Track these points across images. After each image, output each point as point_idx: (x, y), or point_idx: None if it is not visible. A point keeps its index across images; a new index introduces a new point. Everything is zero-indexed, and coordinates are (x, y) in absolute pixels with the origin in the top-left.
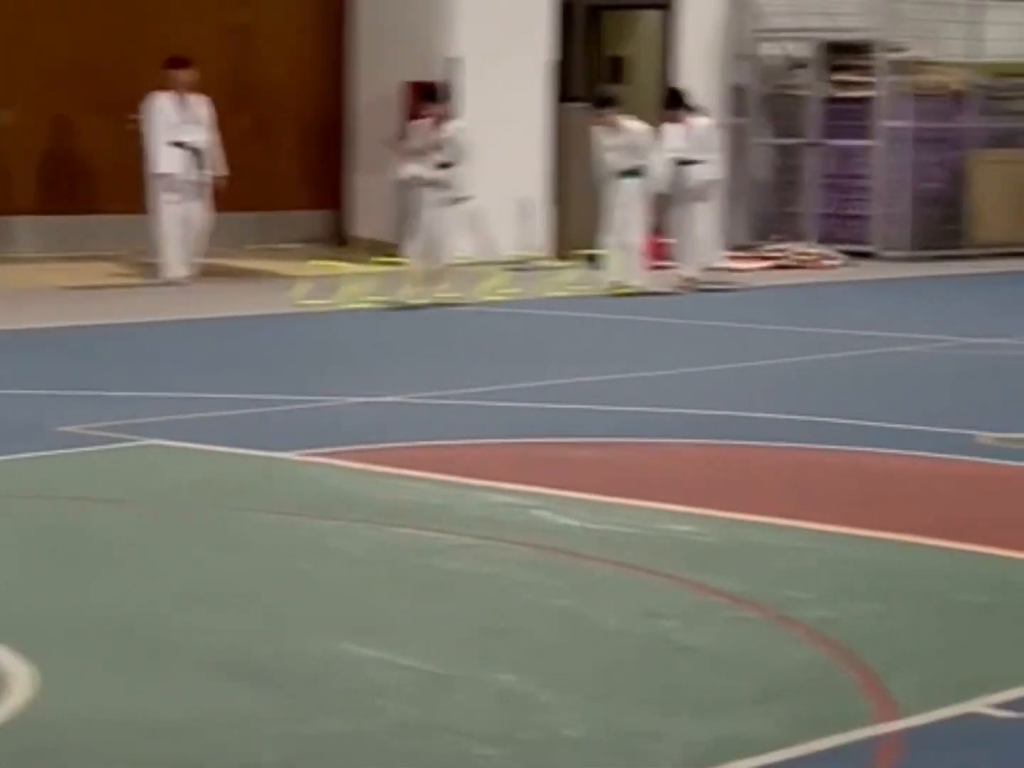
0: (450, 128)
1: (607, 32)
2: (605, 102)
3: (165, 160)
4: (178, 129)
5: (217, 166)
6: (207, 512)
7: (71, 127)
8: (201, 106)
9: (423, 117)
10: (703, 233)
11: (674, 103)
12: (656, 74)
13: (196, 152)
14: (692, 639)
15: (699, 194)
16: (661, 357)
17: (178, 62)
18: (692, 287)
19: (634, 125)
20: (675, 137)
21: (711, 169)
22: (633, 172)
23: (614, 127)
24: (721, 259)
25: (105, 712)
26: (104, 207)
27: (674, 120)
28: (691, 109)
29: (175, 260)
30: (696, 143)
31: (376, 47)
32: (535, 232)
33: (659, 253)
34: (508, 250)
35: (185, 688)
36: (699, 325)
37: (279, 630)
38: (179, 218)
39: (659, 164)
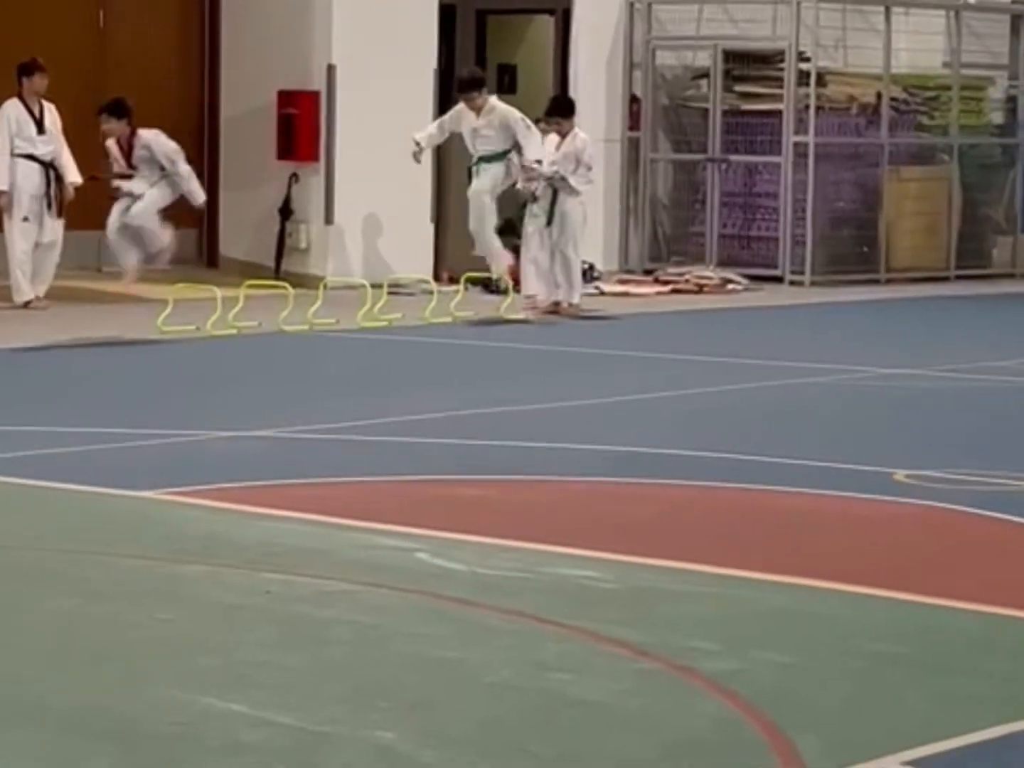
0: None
1: (495, 39)
2: (472, 84)
3: (12, 174)
4: (29, 141)
5: (69, 176)
6: (59, 556)
7: None
8: (52, 114)
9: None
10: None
11: (553, 111)
12: (547, 83)
13: (48, 165)
14: (587, 693)
15: (577, 216)
16: (552, 388)
17: (30, 67)
18: (576, 314)
19: (508, 108)
20: (549, 148)
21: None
22: (495, 157)
23: (482, 109)
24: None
25: None
26: None
27: (549, 130)
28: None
29: (26, 282)
30: (569, 158)
31: (245, 54)
32: (419, 253)
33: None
34: (388, 271)
35: (39, 750)
36: (591, 354)
37: (140, 684)
38: (31, 236)
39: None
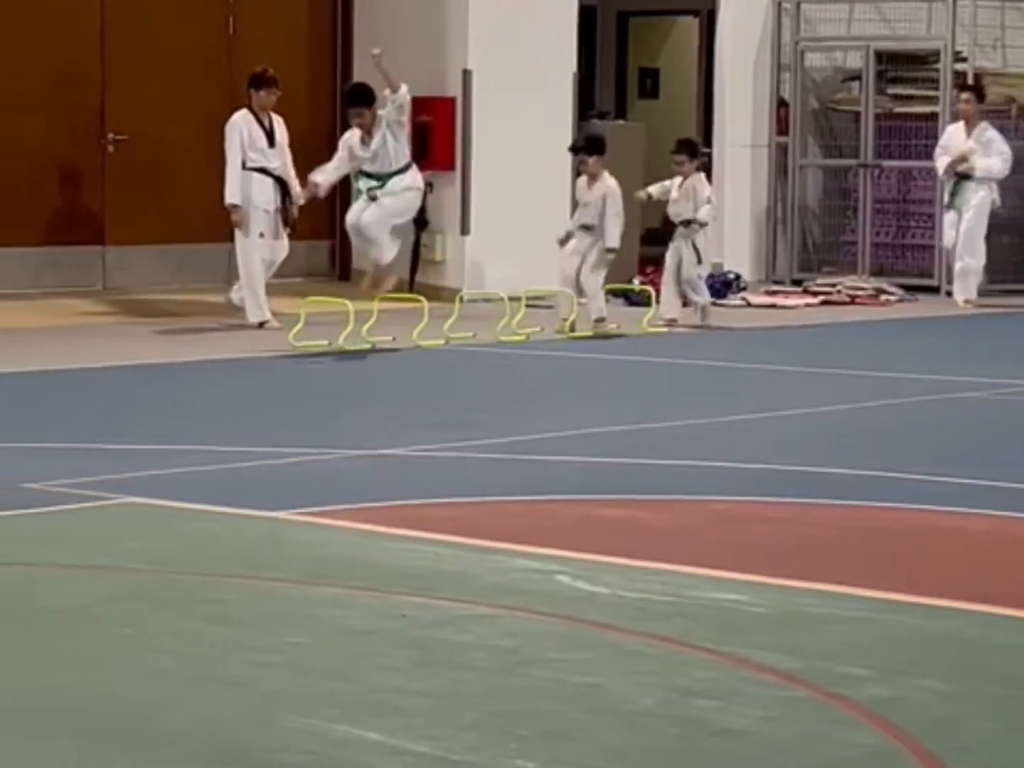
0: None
1: (637, 42)
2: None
3: (247, 188)
4: (262, 154)
5: (295, 191)
6: (190, 578)
7: None
8: (281, 127)
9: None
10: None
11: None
12: (692, 88)
13: (280, 180)
14: (733, 721)
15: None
16: (695, 403)
17: (260, 80)
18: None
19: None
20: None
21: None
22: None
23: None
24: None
25: None
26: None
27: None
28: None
29: (263, 301)
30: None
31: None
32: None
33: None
34: (526, 283)
35: None
36: (734, 368)
37: (269, 711)
38: (266, 253)
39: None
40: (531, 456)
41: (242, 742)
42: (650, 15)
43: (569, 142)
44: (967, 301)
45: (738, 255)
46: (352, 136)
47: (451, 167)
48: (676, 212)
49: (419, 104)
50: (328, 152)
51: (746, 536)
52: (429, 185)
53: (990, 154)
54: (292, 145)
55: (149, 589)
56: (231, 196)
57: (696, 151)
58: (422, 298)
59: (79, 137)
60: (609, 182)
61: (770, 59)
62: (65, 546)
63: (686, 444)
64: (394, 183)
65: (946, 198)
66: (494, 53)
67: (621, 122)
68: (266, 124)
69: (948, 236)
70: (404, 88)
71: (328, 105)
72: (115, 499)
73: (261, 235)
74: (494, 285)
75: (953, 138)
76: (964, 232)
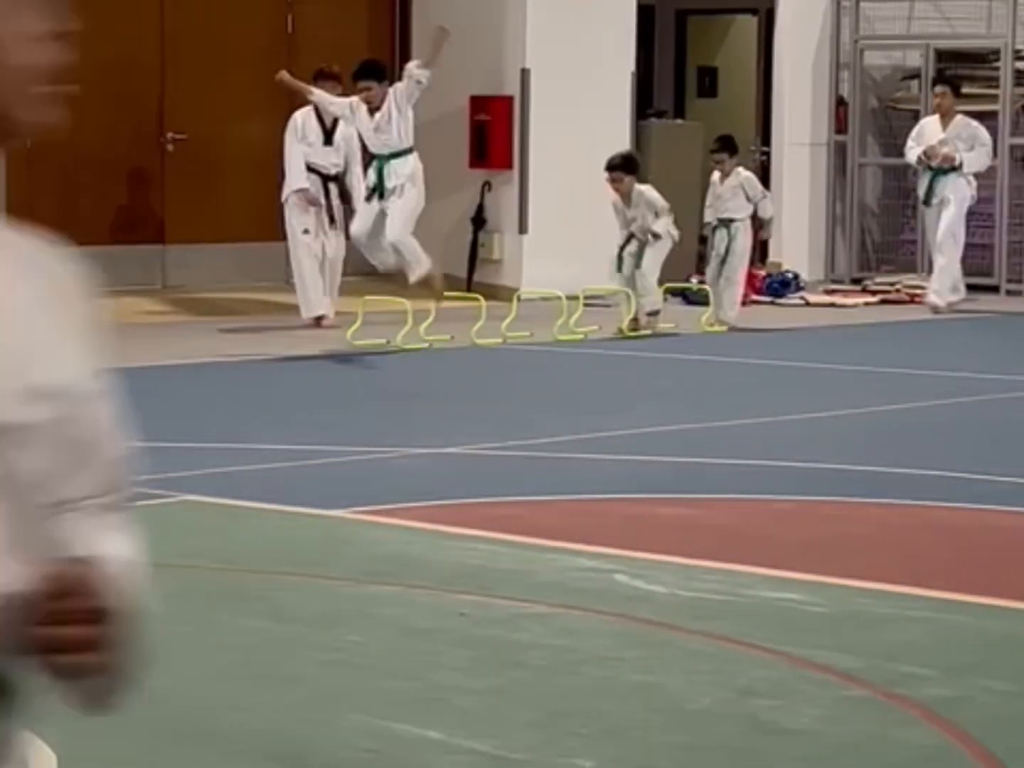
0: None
1: (695, 40)
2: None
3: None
4: (312, 149)
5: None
6: (248, 576)
7: None
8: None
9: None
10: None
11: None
12: (750, 87)
13: (331, 178)
14: (791, 721)
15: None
16: (754, 402)
17: (317, 74)
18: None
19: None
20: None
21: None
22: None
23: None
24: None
25: None
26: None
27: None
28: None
29: (314, 295)
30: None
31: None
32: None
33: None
34: (584, 282)
35: None
36: (795, 367)
37: (327, 709)
38: (313, 249)
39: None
40: (588, 455)
41: (301, 740)
42: (709, 14)
43: (627, 141)
44: (941, 308)
45: (797, 254)
46: (360, 109)
47: (509, 166)
48: (724, 209)
49: (477, 103)
50: None
51: (804, 535)
52: (487, 184)
53: (974, 147)
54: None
55: (209, 587)
56: (295, 183)
57: (735, 148)
58: (480, 297)
59: (139, 137)
60: (645, 193)
61: (829, 57)
62: None
63: (743, 443)
64: (394, 169)
65: (921, 193)
66: (552, 52)
67: (679, 121)
68: (327, 122)
69: (933, 231)
70: (428, 73)
71: None
72: (175, 497)
73: (305, 231)
74: (552, 284)
75: (926, 131)
76: (943, 230)
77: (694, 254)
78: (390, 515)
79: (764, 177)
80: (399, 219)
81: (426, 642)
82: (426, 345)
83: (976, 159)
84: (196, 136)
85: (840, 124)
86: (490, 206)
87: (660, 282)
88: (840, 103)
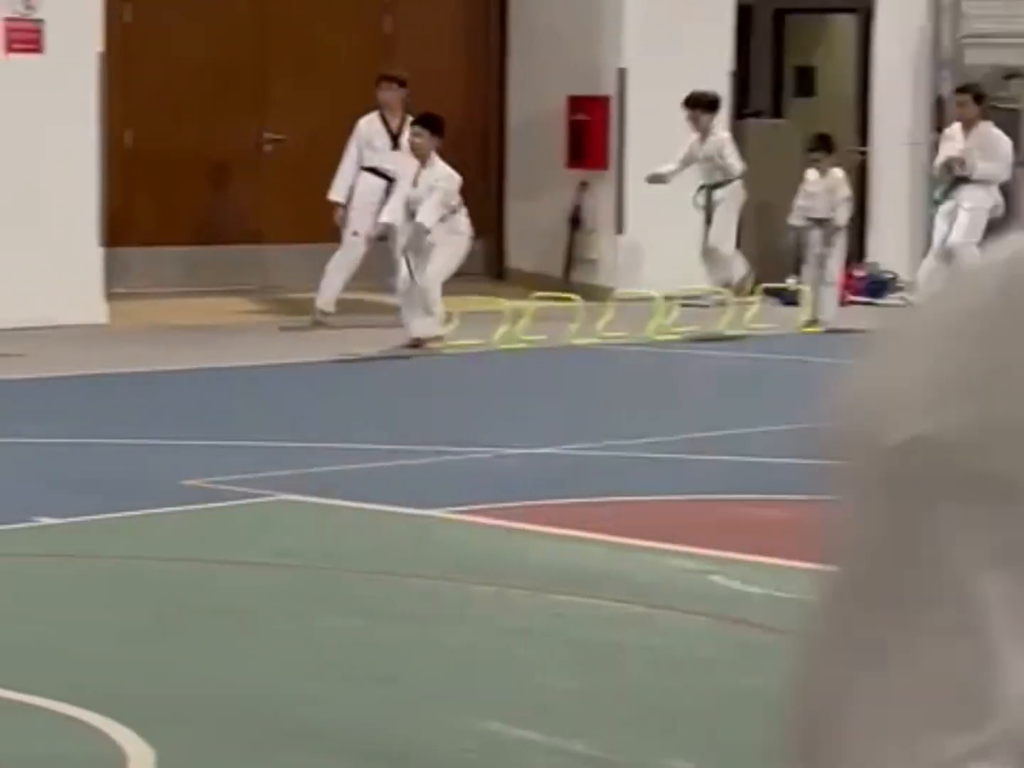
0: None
1: (793, 40)
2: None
3: (353, 187)
4: (376, 153)
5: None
6: (342, 576)
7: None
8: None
9: None
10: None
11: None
12: (849, 86)
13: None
14: None
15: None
16: None
17: (378, 78)
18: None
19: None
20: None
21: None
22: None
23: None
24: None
25: None
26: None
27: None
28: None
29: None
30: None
31: (534, 59)
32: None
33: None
34: (681, 282)
35: None
36: None
37: (421, 709)
38: (359, 251)
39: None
40: (684, 455)
41: (400, 739)
42: (807, 13)
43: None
44: None
45: (897, 255)
46: (407, 162)
47: (606, 166)
48: (810, 207)
49: (574, 103)
50: (483, 153)
51: None
52: (584, 184)
53: (993, 158)
54: (445, 144)
55: (305, 586)
56: (333, 193)
57: (833, 147)
58: (576, 297)
59: (237, 137)
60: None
61: (928, 56)
62: (221, 542)
63: None
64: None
65: (937, 195)
66: (649, 52)
67: (777, 121)
68: (393, 125)
69: (940, 231)
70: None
71: (483, 104)
72: (270, 496)
73: (355, 233)
74: (648, 284)
75: (949, 139)
76: (959, 239)
77: (791, 254)
78: (486, 515)
79: (862, 177)
80: (435, 265)
81: (523, 642)
82: (522, 345)
83: (986, 168)
84: (293, 137)
85: (940, 123)
86: (587, 206)
87: (756, 283)
88: (940, 102)
